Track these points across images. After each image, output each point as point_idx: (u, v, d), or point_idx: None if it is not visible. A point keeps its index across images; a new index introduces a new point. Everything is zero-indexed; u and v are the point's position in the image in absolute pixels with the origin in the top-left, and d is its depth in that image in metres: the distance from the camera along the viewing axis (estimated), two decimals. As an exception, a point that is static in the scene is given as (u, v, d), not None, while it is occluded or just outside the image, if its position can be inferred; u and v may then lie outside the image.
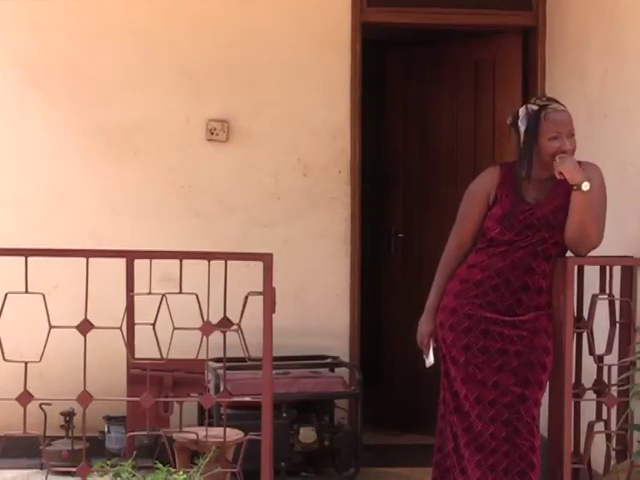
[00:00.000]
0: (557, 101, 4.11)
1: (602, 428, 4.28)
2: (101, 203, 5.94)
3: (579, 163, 4.04)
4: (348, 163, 6.08)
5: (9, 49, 5.91)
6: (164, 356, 3.72)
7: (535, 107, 4.05)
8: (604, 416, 4.31)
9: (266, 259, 3.69)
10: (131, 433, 4.54)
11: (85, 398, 3.63)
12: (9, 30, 5.90)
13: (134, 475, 4.00)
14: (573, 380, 4.13)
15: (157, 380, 4.61)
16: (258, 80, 6.01)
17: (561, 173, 3.94)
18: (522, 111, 4.09)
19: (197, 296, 3.60)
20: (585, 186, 3.91)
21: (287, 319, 5.09)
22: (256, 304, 3.64)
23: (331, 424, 5.49)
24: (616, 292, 4.32)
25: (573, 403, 4.09)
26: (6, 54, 5.91)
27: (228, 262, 3.71)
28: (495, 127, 6.21)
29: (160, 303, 3.60)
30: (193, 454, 4.59)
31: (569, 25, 5.65)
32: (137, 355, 4.34)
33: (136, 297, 3.95)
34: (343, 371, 5.73)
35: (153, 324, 3.62)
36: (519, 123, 4.07)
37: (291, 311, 5.72)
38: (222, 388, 3.85)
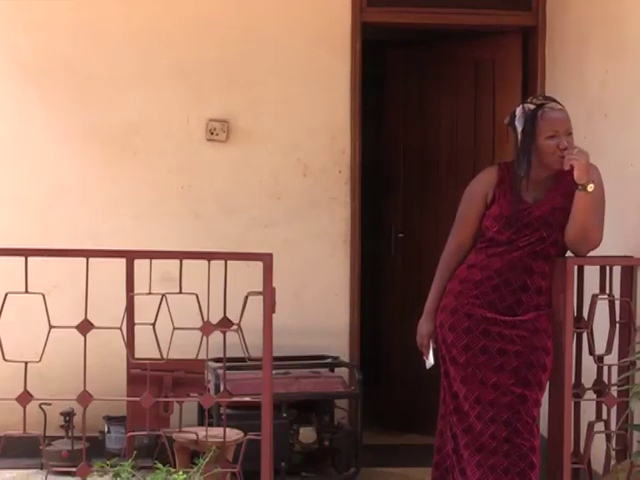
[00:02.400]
0: (554, 100, 4.11)
1: (602, 428, 4.28)
2: (101, 203, 5.93)
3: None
4: (348, 163, 6.08)
5: (7, 48, 5.90)
6: (164, 356, 3.72)
7: (532, 106, 4.05)
8: (604, 416, 4.31)
9: (266, 259, 3.69)
10: (131, 433, 4.54)
11: (85, 398, 3.63)
12: (7, 30, 5.90)
13: (134, 475, 4.00)
14: (573, 380, 4.13)
15: (157, 380, 4.62)
16: (258, 80, 6.01)
17: (571, 167, 3.92)
18: (519, 110, 4.08)
19: (197, 296, 3.60)
20: (590, 187, 3.91)
21: (287, 319, 5.10)
22: (256, 304, 3.64)
23: (331, 424, 5.49)
24: (616, 292, 4.32)
25: (573, 403, 4.09)
26: (4, 53, 5.90)
27: (228, 262, 3.71)
28: (495, 127, 6.21)
29: (160, 303, 3.60)
30: (193, 454, 4.59)
31: (569, 25, 5.65)
32: (137, 355, 4.34)
33: (136, 297, 3.95)
34: (343, 371, 5.72)
35: (153, 324, 3.62)
36: (516, 123, 4.08)
37: (291, 311, 5.71)
38: (222, 388, 3.85)
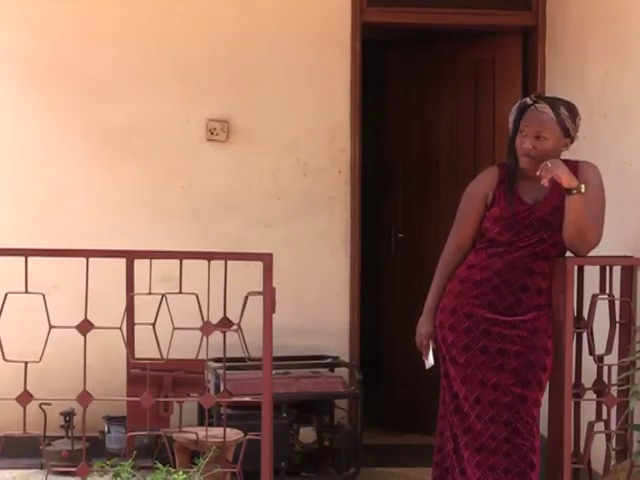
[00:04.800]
0: (559, 102, 4.07)
1: (602, 428, 4.28)
2: (101, 203, 5.94)
3: (577, 163, 4.05)
4: (348, 163, 6.08)
5: (8, 48, 5.91)
6: (164, 356, 3.72)
7: (529, 102, 4.06)
8: (604, 416, 4.31)
9: (266, 259, 3.69)
10: (131, 433, 4.54)
11: (85, 398, 3.63)
12: (8, 29, 5.90)
13: (134, 475, 4.00)
14: (573, 380, 4.13)
15: (157, 380, 4.62)
16: (258, 80, 6.01)
17: (551, 179, 3.90)
18: (516, 104, 4.11)
19: (197, 296, 3.60)
20: (582, 188, 3.90)
21: (287, 319, 5.10)
22: (256, 304, 3.64)
23: (331, 424, 5.49)
24: (616, 292, 4.32)
25: (573, 403, 4.09)
26: (5, 53, 5.91)
27: (228, 262, 3.71)
28: (495, 127, 6.21)
29: (160, 303, 3.60)
30: (193, 454, 4.59)
31: (569, 25, 5.65)
32: (137, 355, 4.34)
33: (136, 297, 3.95)
34: (343, 371, 5.73)
35: (153, 324, 3.62)
36: (509, 115, 4.10)
37: (291, 311, 5.71)
38: (222, 388, 3.85)
